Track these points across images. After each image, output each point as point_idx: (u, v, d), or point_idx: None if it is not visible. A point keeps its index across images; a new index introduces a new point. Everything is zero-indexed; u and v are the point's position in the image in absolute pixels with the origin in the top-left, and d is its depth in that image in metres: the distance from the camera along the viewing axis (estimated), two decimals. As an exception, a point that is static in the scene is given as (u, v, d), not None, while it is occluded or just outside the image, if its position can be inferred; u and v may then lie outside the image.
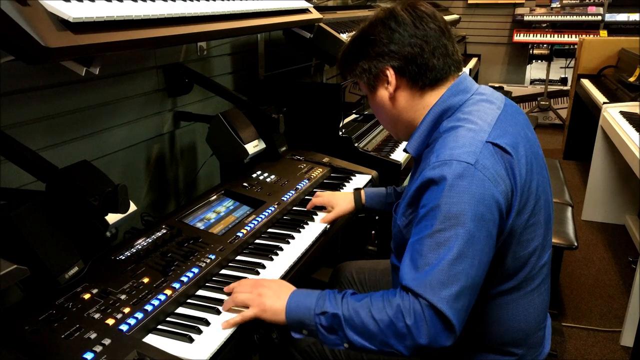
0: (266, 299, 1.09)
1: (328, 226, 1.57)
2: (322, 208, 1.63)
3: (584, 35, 4.88)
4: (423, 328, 0.95)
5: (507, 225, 1.02)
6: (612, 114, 3.10)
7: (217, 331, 1.05)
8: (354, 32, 1.20)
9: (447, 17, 5.07)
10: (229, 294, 1.15)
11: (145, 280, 1.15)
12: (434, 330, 0.94)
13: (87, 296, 1.06)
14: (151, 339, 1.02)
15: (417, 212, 1.03)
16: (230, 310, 1.11)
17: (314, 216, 1.60)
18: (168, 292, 1.12)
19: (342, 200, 1.61)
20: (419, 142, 1.15)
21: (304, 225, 1.53)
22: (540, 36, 5.63)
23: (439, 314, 0.94)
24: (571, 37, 5.49)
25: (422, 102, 1.14)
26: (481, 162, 0.98)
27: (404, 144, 1.24)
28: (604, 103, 3.32)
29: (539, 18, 5.66)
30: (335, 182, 1.89)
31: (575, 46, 4.85)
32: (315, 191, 1.79)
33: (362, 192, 1.63)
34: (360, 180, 1.94)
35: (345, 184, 1.89)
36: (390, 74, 1.12)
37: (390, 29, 1.11)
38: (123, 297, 1.08)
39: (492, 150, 1.01)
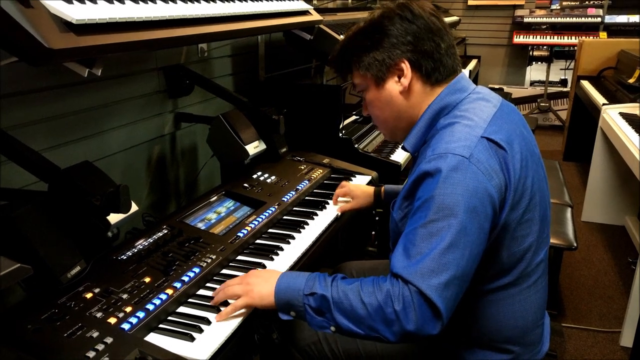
0: (255, 286, 1.10)
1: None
2: (321, 204, 1.65)
3: (583, 37, 4.89)
4: (411, 314, 0.96)
5: (500, 219, 1.03)
6: (612, 115, 3.11)
7: (218, 330, 1.06)
8: (357, 25, 1.19)
9: (447, 19, 5.08)
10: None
11: (147, 279, 1.15)
12: (422, 317, 0.95)
13: (89, 295, 1.07)
14: (153, 338, 1.02)
15: (412, 204, 1.04)
16: (223, 306, 1.12)
17: (314, 216, 1.61)
18: (169, 291, 1.13)
19: (362, 194, 1.70)
20: (416, 139, 1.17)
21: (305, 226, 1.54)
22: (540, 38, 5.64)
23: (428, 301, 0.95)
24: (571, 38, 5.50)
25: (429, 98, 1.15)
26: (475, 156, 0.99)
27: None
28: (604, 104, 3.33)
29: (538, 20, 5.67)
30: (335, 183, 1.89)
31: (575, 48, 4.86)
32: (316, 192, 1.80)
33: (383, 189, 1.69)
34: (360, 181, 1.95)
35: (346, 184, 1.89)
36: (406, 66, 1.12)
37: (408, 20, 1.11)
38: (125, 296, 1.09)
39: (486, 145, 1.02)
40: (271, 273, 1.14)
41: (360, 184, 1.78)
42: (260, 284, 1.10)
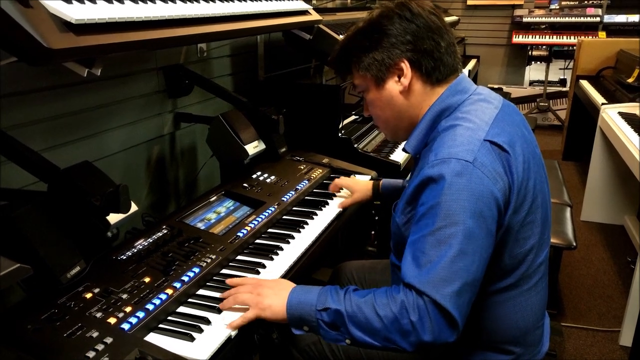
0: (265, 298, 1.09)
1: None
2: (321, 203, 1.65)
3: (582, 37, 4.89)
4: (427, 324, 0.95)
5: (504, 222, 1.03)
6: (611, 114, 3.11)
7: (218, 330, 1.06)
8: (356, 25, 1.18)
9: (446, 19, 5.07)
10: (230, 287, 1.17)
11: (147, 279, 1.15)
12: (438, 326, 0.95)
13: (88, 295, 1.07)
14: (153, 338, 1.02)
15: (416, 210, 1.04)
16: (231, 309, 1.12)
17: (314, 215, 1.61)
18: (169, 291, 1.13)
19: (362, 187, 1.71)
20: (417, 141, 1.16)
21: (304, 225, 1.54)
22: (539, 37, 5.64)
23: (443, 310, 0.95)
24: (570, 38, 5.50)
25: (430, 97, 1.14)
26: (479, 160, 0.99)
27: (403, 145, 1.24)
28: (603, 104, 3.33)
29: (537, 19, 5.67)
30: (334, 182, 1.89)
31: (574, 47, 4.86)
32: (315, 192, 1.80)
33: (380, 183, 1.71)
34: (359, 180, 1.94)
35: (345, 184, 1.89)
36: (406, 66, 1.12)
37: (407, 19, 1.11)
38: (124, 296, 1.08)
39: (489, 148, 1.02)
40: (282, 285, 1.13)
41: (356, 179, 1.81)
42: (271, 296, 1.09)
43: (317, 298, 1.06)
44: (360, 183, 1.74)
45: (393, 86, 1.15)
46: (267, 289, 1.12)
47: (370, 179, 1.96)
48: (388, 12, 1.13)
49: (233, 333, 1.06)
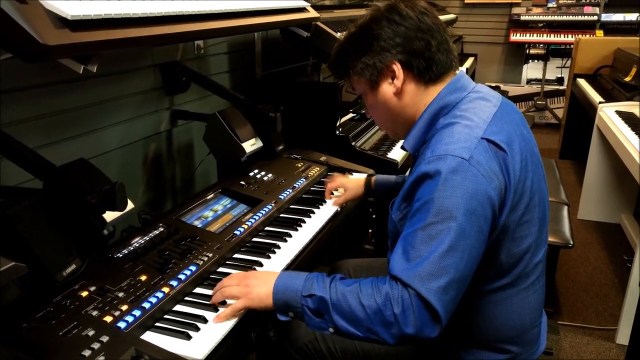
0: (253, 287, 1.10)
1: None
2: (318, 202, 1.64)
3: (580, 35, 4.90)
4: (410, 317, 0.95)
5: (500, 221, 1.03)
6: (608, 113, 3.12)
7: (214, 328, 1.06)
8: (349, 30, 1.19)
9: (444, 17, 5.08)
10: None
11: (143, 278, 1.15)
12: (421, 320, 0.95)
13: (84, 294, 1.06)
14: (149, 336, 1.02)
15: (411, 205, 1.04)
16: (221, 305, 1.12)
17: (312, 214, 1.60)
18: (165, 289, 1.12)
19: (354, 184, 1.71)
20: (416, 139, 1.16)
21: (301, 224, 1.54)
22: (537, 36, 5.65)
23: (427, 304, 0.95)
24: (567, 36, 5.51)
25: (425, 97, 1.14)
26: (475, 158, 0.99)
27: (400, 143, 1.24)
28: (600, 103, 3.33)
29: (535, 18, 5.68)
30: (332, 180, 1.88)
31: (572, 46, 4.87)
32: (313, 189, 1.79)
33: (373, 179, 1.71)
34: (357, 178, 1.94)
35: (343, 182, 1.89)
36: (397, 68, 1.12)
37: (395, 22, 1.10)
38: (121, 294, 1.08)
39: (486, 146, 1.01)
40: (270, 274, 1.13)
41: (349, 176, 1.81)
42: (259, 285, 1.10)
43: (303, 284, 1.06)
44: (353, 180, 1.75)
45: (387, 88, 1.15)
46: (254, 279, 1.12)
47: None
48: (377, 15, 1.13)
49: (229, 327, 1.06)
